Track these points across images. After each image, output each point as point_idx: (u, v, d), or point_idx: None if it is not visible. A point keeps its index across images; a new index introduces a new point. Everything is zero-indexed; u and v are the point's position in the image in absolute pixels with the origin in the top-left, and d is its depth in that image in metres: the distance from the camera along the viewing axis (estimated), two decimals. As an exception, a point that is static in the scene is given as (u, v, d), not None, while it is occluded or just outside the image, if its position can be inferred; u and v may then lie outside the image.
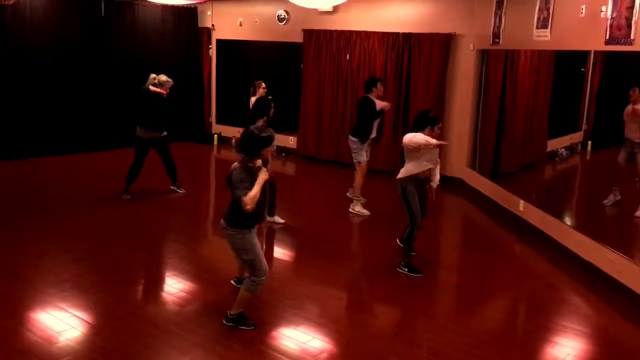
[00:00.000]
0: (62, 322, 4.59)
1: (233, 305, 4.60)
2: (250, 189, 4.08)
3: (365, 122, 7.70)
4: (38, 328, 4.49)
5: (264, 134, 4.23)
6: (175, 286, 5.40)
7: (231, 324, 4.57)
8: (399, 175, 5.77)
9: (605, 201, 6.50)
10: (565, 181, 8.67)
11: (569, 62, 7.82)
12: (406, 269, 5.76)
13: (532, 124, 8.78)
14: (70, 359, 4.09)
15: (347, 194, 8.09)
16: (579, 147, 7.94)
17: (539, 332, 4.81)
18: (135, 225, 7.10)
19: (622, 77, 7.01)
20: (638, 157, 6.25)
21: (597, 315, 5.28)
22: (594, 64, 7.44)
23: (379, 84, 7.76)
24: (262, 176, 4.17)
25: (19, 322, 4.58)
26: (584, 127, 7.92)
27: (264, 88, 8.82)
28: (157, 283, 5.49)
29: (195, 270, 5.77)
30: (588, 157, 7.90)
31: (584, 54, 7.39)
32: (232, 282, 5.28)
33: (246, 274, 4.72)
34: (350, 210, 7.84)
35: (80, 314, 4.75)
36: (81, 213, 7.46)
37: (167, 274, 5.80)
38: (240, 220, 4.28)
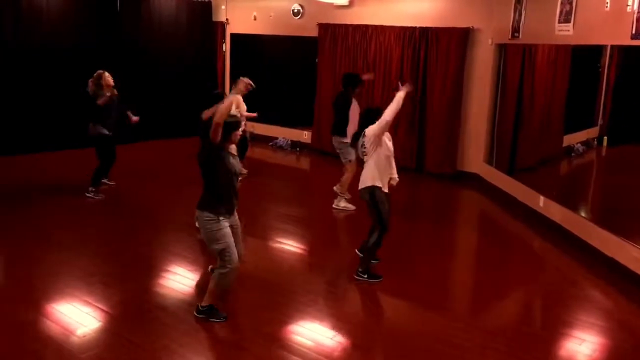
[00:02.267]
0: (87, 315, 4.61)
1: (204, 296, 4.60)
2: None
3: (347, 117, 7.51)
4: (63, 320, 4.51)
5: (231, 119, 4.37)
6: (193, 279, 5.43)
7: (202, 316, 4.57)
8: (365, 185, 5.35)
9: None
10: (584, 177, 8.62)
11: (585, 56, 7.75)
12: (365, 276, 5.44)
13: (549, 119, 8.73)
14: (97, 352, 4.11)
15: (334, 188, 7.87)
16: (595, 142, 7.90)
17: (558, 326, 4.79)
18: (153, 217, 7.11)
19: (639, 71, 6.95)
20: None
21: (619, 312, 5.24)
22: (610, 58, 7.40)
23: (358, 87, 7.67)
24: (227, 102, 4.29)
25: (44, 314, 4.60)
26: (599, 122, 7.88)
27: (247, 84, 7.59)
28: (179, 276, 5.50)
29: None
30: (604, 153, 7.85)
31: (600, 49, 7.34)
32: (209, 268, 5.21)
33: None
34: (334, 206, 7.73)
35: (104, 307, 4.76)
36: (97, 206, 7.49)
37: (188, 267, 5.81)
38: (212, 204, 4.35)
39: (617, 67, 7.41)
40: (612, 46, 6.94)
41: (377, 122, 5.22)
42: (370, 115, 5.42)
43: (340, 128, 7.63)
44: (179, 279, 5.45)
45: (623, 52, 6.97)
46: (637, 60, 6.85)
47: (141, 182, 8.49)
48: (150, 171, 9.13)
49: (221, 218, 4.39)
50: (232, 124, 4.35)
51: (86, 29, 10.60)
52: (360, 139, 5.43)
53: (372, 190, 5.34)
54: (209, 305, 4.59)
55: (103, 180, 8.13)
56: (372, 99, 10.17)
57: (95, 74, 7.61)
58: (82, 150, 9.09)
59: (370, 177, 5.33)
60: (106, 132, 7.66)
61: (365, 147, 5.37)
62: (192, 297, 5.08)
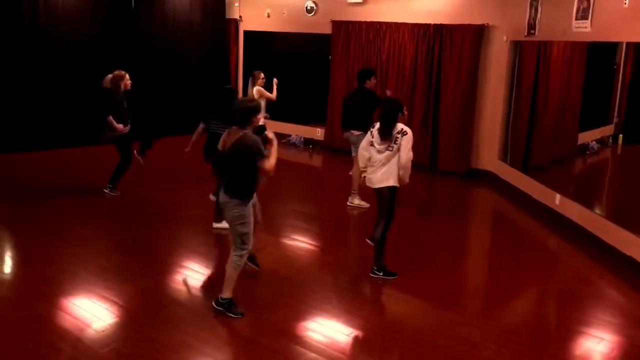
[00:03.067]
0: (104, 309, 4.64)
1: (223, 287, 4.62)
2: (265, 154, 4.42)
3: (368, 113, 7.38)
4: (81, 315, 4.54)
5: (253, 104, 4.62)
6: (209, 274, 5.45)
7: (220, 309, 4.60)
8: (389, 184, 5.32)
9: None
10: (600, 175, 8.55)
11: (600, 54, 7.69)
12: (381, 273, 5.45)
13: (564, 116, 8.67)
14: (116, 347, 4.13)
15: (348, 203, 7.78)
16: (610, 140, 7.83)
17: (574, 324, 4.77)
18: (167, 213, 7.14)
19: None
20: None
21: (637, 310, 5.20)
22: (625, 55, 7.33)
23: (372, 77, 7.64)
24: (274, 141, 4.59)
25: (61, 308, 4.63)
26: (614, 120, 7.82)
27: (263, 78, 8.74)
28: (194, 272, 5.51)
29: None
30: (619, 151, 7.79)
31: (615, 46, 7.28)
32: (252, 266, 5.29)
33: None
34: (348, 203, 7.69)
35: (121, 301, 4.79)
36: (111, 202, 7.53)
37: (202, 262, 5.82)
38: (245, 191, 4.51)
39: (633, 65, 7.35)
40: (627, 43, 6.88)
41: (409, 160, 5.26)
42: (393, 108, 5.38)
43: (358, 122, 7.44)
44: (194, 275, 5.47)
45: (639, 50, 6.91)
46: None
47: (156, 179, 8.52)
48: (164, 168, 9.17)
49: (249, 203, 4.55)
50: (252, 108, 4.52)
51: (101, 27, 10.66)
52: (394, 132, 5.30)
53: (394, 190, 5.35)
54: (229, 298, 4.61)
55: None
56: (384, 97, 10.13)
57: (115, 73, 7.61)
58: (100, 147, 9.15)
59: (394, 177, 5.32)
60: (124, 130, 7.63)
61: (396, 144, 5.26)
62: (207, 291, 5.10)
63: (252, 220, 4.62)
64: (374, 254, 5.54)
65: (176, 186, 8.45)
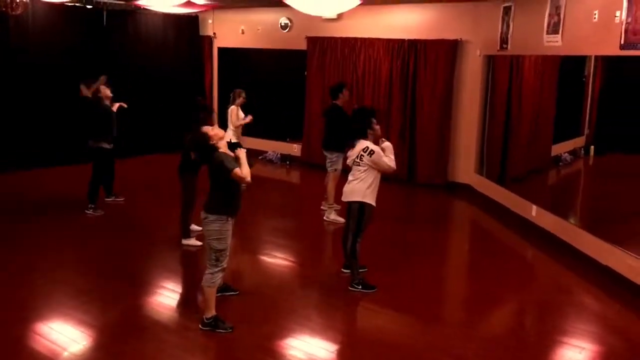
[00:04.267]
0: (82, 332, 4.53)
1: (205, 308, 4.59)
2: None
3: (338, 131, 7.42)
4: (57, 339, 4.43)
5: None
6: (187, 293, 5.37)
7: (207, 329, 4.55)
8: (358, 199, 5.37)
9: None
10: (575, 185, 8.69)
11: (570, 67, 7.86)
12: (360, 287, 5.43)
13: (538, 129, 8.81)
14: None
15: (322, 207, 7.91)
16: (582, 151, 7.99)
17: (555, 334, 4.80)
18: (144, 232, 7.04)
19: (622, 81, 7.06)
20: None
21: (615, 319, 5.25)
22: (594, 68, 7.50)
23: (344, 90, 7.66)
24: (242, 151, 4.52)
25: (37, 332, 4.52)
26: (586, 132, 7.98)
27: (243, 97, 8.54)
28: (175, 292, 5.44)
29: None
30: (591, 162, 7.94)
31: (584, 60, 7.45)
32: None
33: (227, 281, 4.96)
34: (324, 218, 7.71)
35: (100, 324, 4.69)
36: (87, 222, 7.41)
37: (184, 282, 5.74)
38: (222, 206, 4.50)
39: (601, 77, 7.52)
40: (595, 57, 7.06)
41: (390, 162, 5.32)
42: (364, 115, 5.48)
43: (329, 142, 7.65)
44: (175, 295, 5.39)
45: (607, 63, 7.08)
46: (620, 71, 6.97)
47: (134, 198, 8.40)
48: (141, 186, 9.06)
49: (229, 218, 4.54)
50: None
51: (73, 45, 10.55)
52: (359, 149, 5.40)
53: (364, 205, 5.39)
54: (213, 316, 4.56)
55: (110, 200, 8.10)
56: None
57: (98, 82, 7.66)
58: (78, 166, 9.06)
59: (364, 193, 5.37)
60: (107, 145, 7.64)
61: (362, 161, 5.37)
62: (189, 312, 5.02)
63: (229, 238, 4.59)
64: (350, 268, 5.55)
65: (152, 204, 8.35)
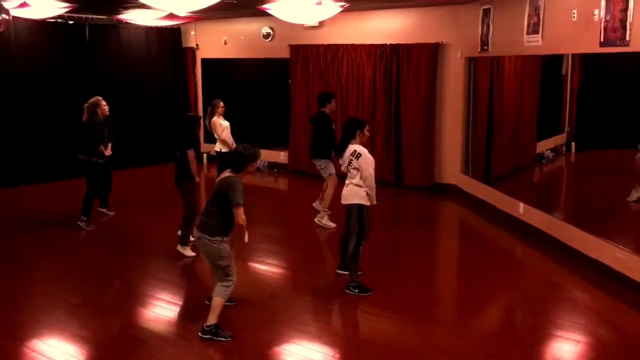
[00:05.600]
0: (79, 348, 4.52)
1: (208, 316, 4.60)
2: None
3: (324, 138, 7.60)
4: (54, 356, 4.42)
5: (250, 152, 4.62)
6: (184, 304, 5.37)
7: (208, 336, 4.56)
8: (355, 201, 5.47)
9: (628, 198, 6.65)
10: (559, 182, 8.83)
11: (549, 66, 8.01)
12: (356, 290, 5.47)
13: (521, 127, 8.95)
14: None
15: (314, 204, 7.98)
16: (564, 148, 8.13)
17: (550, 328, 4.88)
18: (137, 244, 7.03)
19: (600, 79, 7.23)
20: None
21: (606, 311, 5.36)
22: (572, 67, 7.66)
23: (332, 101, 7.77)
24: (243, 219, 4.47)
25: (33, 349, 4.50)
26: (566, 129, 8.13)
27: (222, 107, 8.57)
28: (171, 303, 5.44)
29: (202, 288, 5.73)
30: (573, 158, 8.09)
31: (561, 58, 7.59)
32: (206, 301, 5.15)
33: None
34: (316, 221, 7.75)
35: (97, 338, 4.69)
36: (88, 237, 7.40)
37: (179, 293, 5.75)
38: (216, 229, 4.52)
39: (580, 75, 7.68)
40: (573, 55, 7.20)
41: (371, 177, 5.40)
42: (351, 125, 5.61)
43: (317, 150, 7.73)
44: (172, 307, 5.39)
45: (584, 61, 7.24)
46: (598, 68, 7.13)
47: (125, 211, 8.37)
48: (131, 199, 9.03)
49: (225, 238, 4.58)
50: (248, 156, 4.59)
51: (56, 61, 10.52)
52: (348, 154, 5.50)
53: (362, 207, 5.46)
54: (214, 324, 4.57)
55: (103, 210, 8.10)
56: (346, 117, 10.25)
57: (91, 100, 7.63)
58: (64, 181, 9.02)
59: (361, 195, 5.45)
60: (98, 159, 7.63)
61: (352, 165, 5.48)
62: (187, 323, 5.03)
63: (230, 252, 4.64)
64: (349, 271, 5.59)
65: (143, 216, 8.34)
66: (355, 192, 5.49)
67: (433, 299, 5.71)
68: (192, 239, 6.28)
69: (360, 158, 5.42)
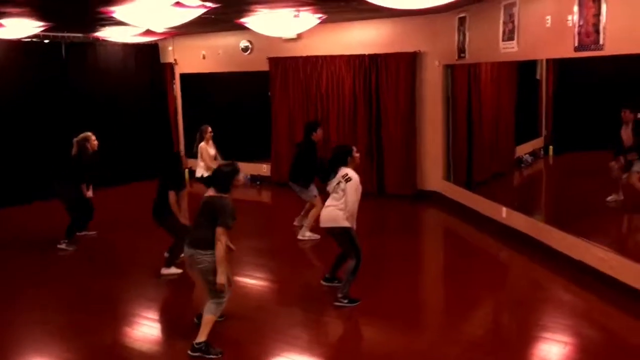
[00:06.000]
0: (69, 371, 4.47)
1: (198, 333, 4.56)
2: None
3: (309, 167, 7.56)
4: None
5: (229, 168, 4.69)
6: (167, 322, 5.35)
7: (197, 354, 4.53)
8: (339, 224, 5.40)
9: (608, 198, 6.80)
10: (539, 185, 8.96)
11: (524, 71, 8.16)
12: (346, 301, 5.45)
13: (500, 132, 9.08)
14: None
15: (295, 222, 8.00)
16: (542, 152, 8.27)
17: (539, 330, 4.94)
18: (120, 264, 6.98)
19: (574, 84, 7.39)
20: None
21: (592, 311, 5.42)
22: (547, 72, 7.81)
23: (318, 129, 7.72)
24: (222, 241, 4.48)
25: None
26: (543, 133, 8.27)
27: (210, 132, 8.62)
28: (157, 322, 5.40)
29: (189, 306, 5.70)
30: (551, 161, 8.22)
31: (535, 63, 7.74)
32: (195, 319, 5.11)
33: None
34: (299, 237, 7.65)
35: (86, 361, 4.63)
36: (62, 257, 7.30)
37: (165, 311, 5.71)
38: (212, 242, 4.49)
39: (554, 81, 7.83)
40: (547, 61, 7.33)
41: (353, 203, 5.34)
42: (341, 152, 5.57)
43: (297, 175, 7.68)
44: (158, 325, 5.36)
45: (558, 66, 7.38)
46: (572, 73, 7.28)
47: (106, 229, 8.29)
48: (112, 218, 8.94)
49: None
50: (229, 173, 4.62)
51: (32, 80, 10.42)
52: (339, 175, 5.44)
53: (348, 230, 5.42)
54: (204, 342, 4.53)
55: (83, 233, 7.99)
56: (327, 128, 10.31)
57: (81, 135, 7.61)
58: (45, 202, 8.90)
59: (343, 218, 5.38)
60: (85, 193, 7.59)
61: (340, 187, 5.40)
62: (174, 341, 4.99)
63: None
64: (342, 283, 5.56)
65: (125, 235, 8.27)
66: (336, 216, 5.41)
67: (420, 305, 5.75)
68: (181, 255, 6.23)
69: (350, 182, 5.35)
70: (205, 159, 8.55)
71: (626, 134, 6.62)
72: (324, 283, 5.97)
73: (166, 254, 6.60)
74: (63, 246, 7.51)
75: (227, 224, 4.47)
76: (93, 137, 7.71)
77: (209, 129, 8.66)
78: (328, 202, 5.55)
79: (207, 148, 8.62)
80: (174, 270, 6.50)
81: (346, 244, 5.50)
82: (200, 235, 4.57)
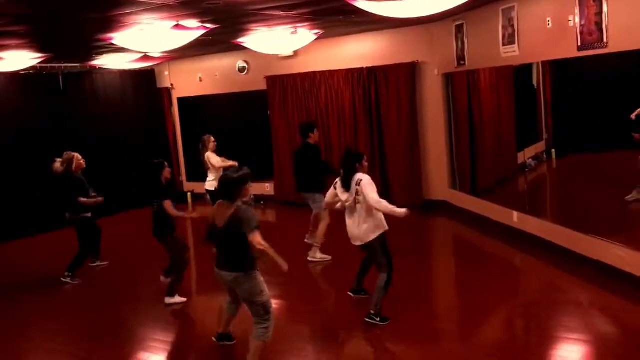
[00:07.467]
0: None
1: None
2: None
3: (316, 171, 7.40)
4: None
5: (238, 174, 4.34)
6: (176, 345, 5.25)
7: None
8: (376, 234, 5.28)
9: (628, 197, 6.71)
10: (548, 188, 8.92)
11: (523, 76, 8.17)
12: (378, 319, 5.27)
13: (502, 138, 9.06)
14: None
15: (306, 240, 7.71)
16: (544, 155, 8.25)
17: (555, 332, 4.90)
18: (125, 293, 6.91)
19: (573, 86, 7.39)
20: None
21: (612, 309, 5.35)
22: (543, 76, 7.82)
23: (315, 130, 7.58)
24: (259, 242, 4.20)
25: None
26: (545, 137, 8.26)
27: (214, 142, 8.49)
28: (164, 342, 5.31)
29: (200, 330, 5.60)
30: (554, 164, 8.21)
31: (530, 68, 7.74)
32: (213, 338, 5.03)
33: (229, 328, 4.78)
34: (310, 259, 7.37)
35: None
36: (67, 289, 7.21)
37: (170, 337, 5.61)
38: (249, 261, 4.26)
39: (551, 83, 7.83)
40: (543, 64, 7.34)
41: (378, 203, 5.17)
42: (351, 157, 5.47)
43: (305, 183, 7.47)
44: (169, 347, 5.27)
45: (556, 69, 7.39)
46: (570, 76, 7.30)
47: (112, 258, 8.19)
48: (115, 246, 8.84)
49: (258, 270, 4.36)
50: (238, 179, 4.30)
51: (31, 110, 10.39)
52: (353, 185, 5.32)
53: (383, 235, 5.30)
54: None
55: (96, 264, 7.89)
56: (329, 143, 10.30)
57: (65, 156, 7.46)
58: (51, 233, 8.79)
59: (376, 225, 5.28)
60: (88, 214, 7.47)
61: (359, 195, 5.28)
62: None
63: (265, 286, 4.40)
64: (376, 299, 5.33)
65: (129, 263, 8.19)
66: (368, 229, 5.26)
67: (438, 315, 5.66)
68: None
69: (362, 181, 5.24)
70: (215, 164, 8.33)
71: None
72: (351, 295, 5.84)
73: (162, 278, 6.49)
74: (68, 279, 7.37)
75: (253, 226, 4.16)
76: (78, 156, 7.51)
77: (212, 138, 8.50)
78: (356, 219, 5.32)
79: (214, 155, 8.40)
80: (178, 299, 6.31)
81: (379, 254, 5.31)
82: (233, 257, 4.31)
